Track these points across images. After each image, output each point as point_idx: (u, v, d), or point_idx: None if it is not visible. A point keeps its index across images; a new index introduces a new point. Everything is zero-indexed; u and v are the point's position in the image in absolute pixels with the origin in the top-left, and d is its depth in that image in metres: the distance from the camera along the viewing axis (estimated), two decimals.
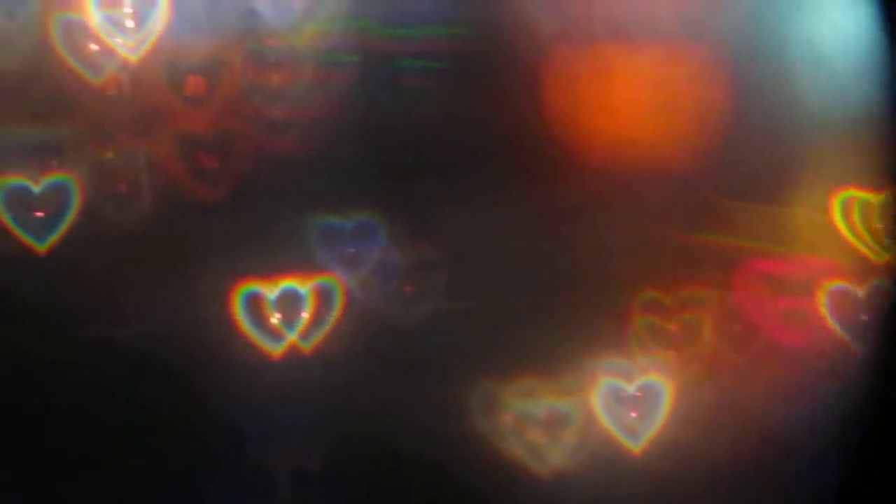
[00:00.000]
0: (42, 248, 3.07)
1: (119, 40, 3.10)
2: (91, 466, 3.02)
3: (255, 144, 3.13)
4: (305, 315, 3.10)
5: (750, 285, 3.13)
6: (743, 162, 3.10)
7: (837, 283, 3.13)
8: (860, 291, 3.13)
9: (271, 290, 3.08)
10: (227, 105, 3.14)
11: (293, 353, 3.11)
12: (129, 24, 3.11)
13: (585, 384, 3.14)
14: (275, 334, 3.10)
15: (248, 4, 3.11)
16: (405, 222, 3.13)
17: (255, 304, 3.08)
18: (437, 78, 3.16)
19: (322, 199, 3.14)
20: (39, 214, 3.08)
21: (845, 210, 3.12)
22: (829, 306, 3.12)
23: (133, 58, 3.11)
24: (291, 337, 3.09)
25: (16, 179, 3.07)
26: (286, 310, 3.09)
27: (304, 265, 3.13)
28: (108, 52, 3.11)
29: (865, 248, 3.13)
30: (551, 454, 3.14)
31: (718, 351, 3.13)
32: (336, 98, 3.14)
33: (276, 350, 3.10)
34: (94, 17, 3.10)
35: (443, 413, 3.08)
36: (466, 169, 3.14)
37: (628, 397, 3.14)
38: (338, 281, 3.12)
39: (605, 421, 3.15)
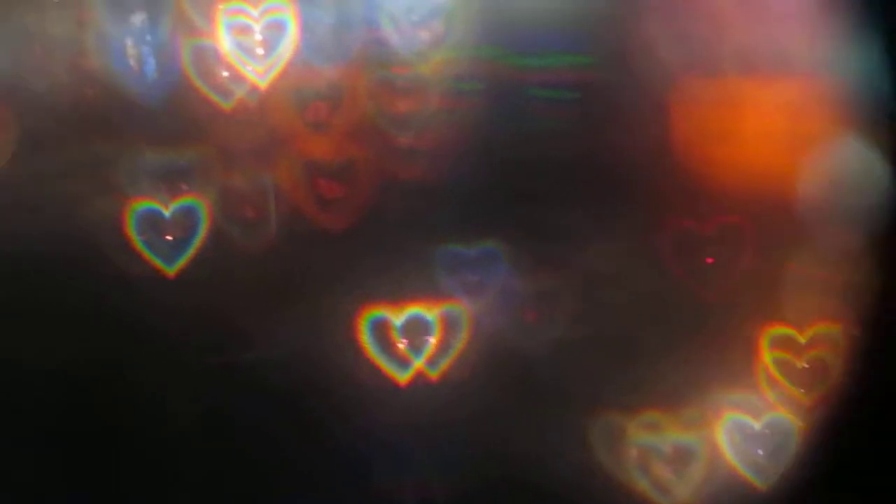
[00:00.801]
0: (171, 271, 3.07)
1: (249, 66, 3.12)
2: (213, 494, 3.00)
3: (381, 171, 3.13)
4: (432, 341, 3.07)
5: (884, 322, 3.08)
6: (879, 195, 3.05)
7: None
8: None
9: (398, 316, 3.06)
10: (353, 132, 3.14)
11: (419, 380, 3.07)
12: (259, 50, 3.13)
13: (712, 419, 3.08)
14: (401, 360, 3.07)
15: (376, 33, 3.12)
16: (531, 250, 3.11)
17: (381, 330, 3.06)
18: (564, 107, 3.14)
19: (447, 226, 3.12)
20: (169, 238, 3.09)
21: None
22: None
23: (262, 84, 3.12)
24: (418, 363, 3.07)
25: (147, 203, 3.08)
26: (413, 336, 3.07)
27: (430, 292, 3.10)
28: (237, 77, 3.13)
29: None
30: (676, 488, 3.08)
31: (848, 390, 3.07)
32: (462, 126, 3.13)
33: (402, 376, 3.07)
34: (224, 43, 3.12)
35: (567, 443, 3.03)
36: (594, 198, 3.12)
37: (755, 434, 3.08)
38: (464, 308, 3.09)
39: (730, 457, 3.09)
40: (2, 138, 3.09)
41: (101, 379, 3.01)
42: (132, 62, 3.12)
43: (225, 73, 3.13)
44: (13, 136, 3.09)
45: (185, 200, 3.10)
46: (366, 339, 3.06)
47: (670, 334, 3.08)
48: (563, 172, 3.13)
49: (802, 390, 3.10)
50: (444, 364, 3.08)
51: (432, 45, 3.14)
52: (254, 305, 3.07)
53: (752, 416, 3.10)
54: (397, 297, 3.08)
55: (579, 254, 3.10)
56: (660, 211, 3.10)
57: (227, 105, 3.12)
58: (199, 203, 3.11)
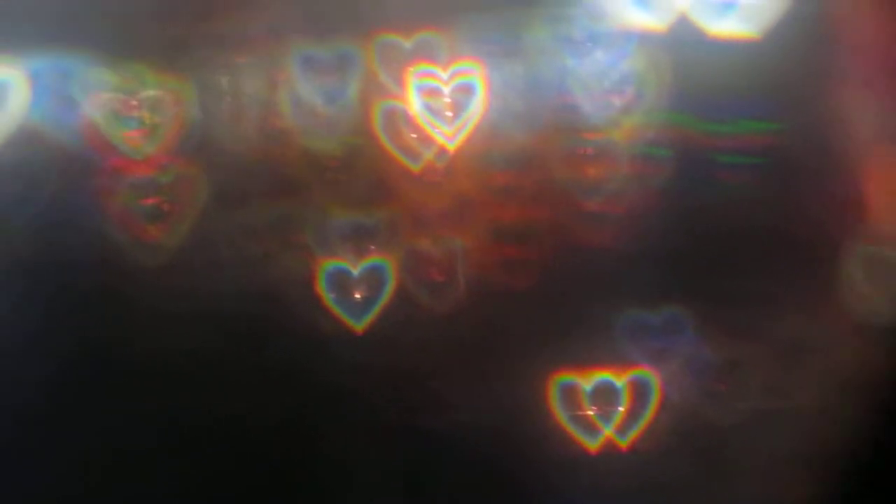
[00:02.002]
0: (359, 329, 3.06)
1: (437, 128, 3.13)
2: None
3: (569, 236, 3.11)
4: (621, 409, 3.02)
5: None
6: None
7: None
8: None
9: (586, 382, 3.02)
10: (541, 196, 3.13)
11: (609, 448, 3.02)
12: (448, 113, 3.14)
13: None
14: (590, 427, 3.02)
15: (566, 98, 3.12)
16: (719, 317, 3.06)
17: (569, 396, 3.02)
18: (753, 173, 3.12)
19: (634, 292, 3.09)
20: (357, 296, 3.08)
21: None
22: None
23: (450, 146, 3.13)
24: (607, 431, 3.02)
25: (336, 262, 3.09)
26: (602, 402, 3.02)
27: (617, 358, 3.06)
28: (426, 139, 3.14)
29: None
30: None
31: None
32: (651, 192, 3.11)
33: (592, 444, 3.02)
34: (414, 105, 3.14)
35: None
36: (783, 265, 3.08)
37: None
38: (653, 375, 3.05)
39: None
40: (193, 196, 3.12)
41: (290, 437, 2.98)
42: (322, 122, 3.14)
43: (414, 135, 3.14)
44: (205, 194, 3.11)
45: (373, 260, 3.10)
46: (554, 404, 3.01)
47: (866, 405, 3.01)
48: (752, 239, 3.09)
49: None
50: (634, 433, 3.02)
51: (622, 111, 3.13)
52: (441, 367, 3.04)
53: None
54: (585, 363, 3.03)
55: (769, 322, 3.05)
56: (854, 280, 3.05)
57: (415, 167, 3.13)
58: (387, 263, 3.10)
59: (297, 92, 3.14)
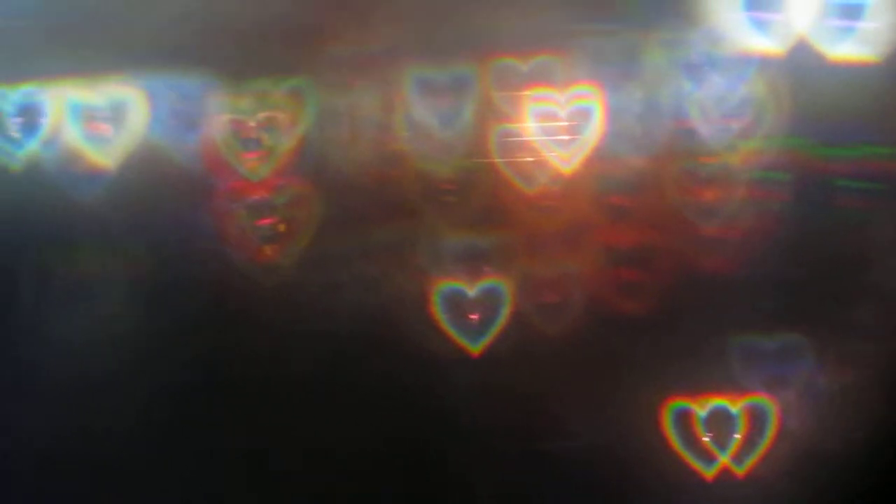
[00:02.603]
0: (474, 351, 3.07)
1: (553, 152, 3.13)
2: None
3: (685, 260, 3.10)
4: (737, 436, 3.01)
5: None
6: None
7: None
8: None
9: (702, 408, 3.01)
10: (657, 220, 3.12)
11: (724, 475, 3.01)
12: (564, 136, 3.14)
13: None
14: (706, 455, 3.01)
15: (684, 122, 3.11)
16: (836, 345, 3.04)
17: (684, 422, 3.01)
18: (872, 198, 3.09)
19: (750, 317, 3.07)
20: (472, 318, 3.09)
21: None
22: None
23: (566, 170, 3.13)
24: (723, 459, 3.00)
25: (452, 283, 3.10)
26: (718, 429, 3.01)
27: (733, 384, 3.05)
28: (541, 163, 3.14)
29: None
30: None
31: None
32: (769, 217, 3.09)
33: (707, 471, 3.01)
34: (530, 128, 3.14)
35: None
36: None
37: None
38: (769, 402, 3.03)
39: None
40: (309, 217, 3.14)
41: (405, 459, 3.00)
42: (438, 145, 3.15)
43: (529, 158, 3.14)
44: (321, 215, 3.14)
45: (489, 281, 3.10)
46: (669, 430, 3.00)
47: None
48: (871, 266, 3.06)
49: None
50: (750, 460, 3.01)
51: (740, 136, 3.12)
52: (556, 390, 3.04)
53: None
54: (701, 389, 3.02)
55: (886, 349, 3.02)
56: None
57: (530, 190, 3.13)
58: (502, 284, 3.11)
59: (412, 114, 3.15)
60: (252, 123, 3.14)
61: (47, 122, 3.10)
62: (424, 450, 3.02)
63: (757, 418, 3.03)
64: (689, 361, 3.03)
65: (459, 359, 3.06)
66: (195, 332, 3.06)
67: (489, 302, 3.09)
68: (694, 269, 3.10)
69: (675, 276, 3.10)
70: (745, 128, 3.13)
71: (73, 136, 3.10)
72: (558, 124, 3.14)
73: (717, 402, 3.03)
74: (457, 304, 3.08)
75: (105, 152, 3.10)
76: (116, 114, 3.12)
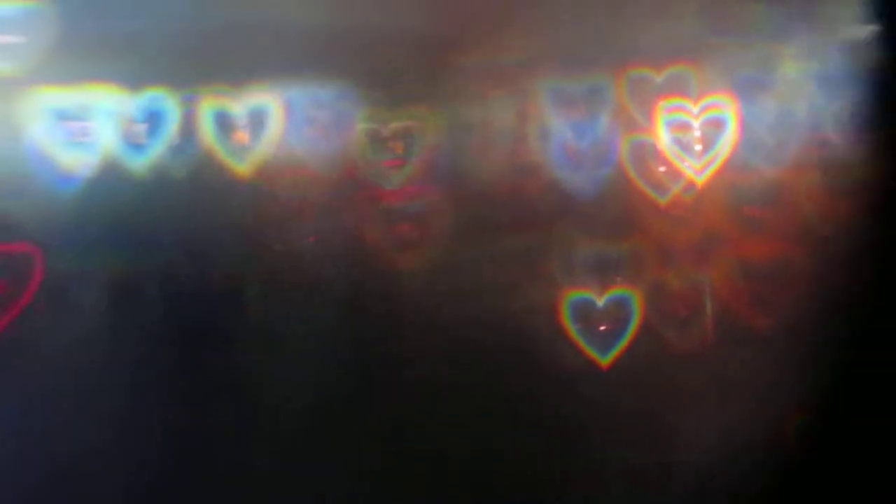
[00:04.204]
0: (604, 362, 3.08)
1: (686, 162, 3.13)
2: None
3: (820, 274, 3.08)
4: None
5: None
6: None
7: None
8: None
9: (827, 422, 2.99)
10: (790, 233, 3.10)
11: None
12: (697, 147, 3.13)
13: None
14: None
15: (818, 135, 3.09)
16: None
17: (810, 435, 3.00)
18: None
19: (884, 335, 3.04)
20: (601, 328, 3.11)
21: None
22: None
23: (699, 180, 3.13)
24: None
25: (582, 292, 3.12)
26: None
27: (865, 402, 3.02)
28: (674, 173, 3.14)
29: None
30: None
31: None
32: None
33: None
34: (662, 138, 3.14)
35: None
36: None
37: None
38: None
39: None
40: (443, 225, 3.18)
41: (534, 471, 3.02)
42: (571, 155, 3.17)
43: (662, 169, 3.14)
44: (454, 223, 3.17)
45: (619, 292, 3.11)
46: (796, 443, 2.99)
47: None
48: None
49: None
50: None
51: (873, 148, 3.09)
52: (686, 405, 3.04)
53: None
54: (831, 405, 3.00)
55: None
56: None
57: (662, 200, 3.13)
58: (633, 295, 3.11)
59: (546, 124, 3.17)
60: (388, 132, 3.19)
61: (188, 130, 3.16)
62: (552, 459, 3.03)
63: None
64: (821, 378, 3.01)
65: (587, 369, 3.06)
66: (332, 334, 3.11)
67: (619, 312, 3.10)
68: (828, 284, 3.07)
69: (809, 290, 3.08)
70: (878, 140, 3.09)
71: (213, 143, 3.17)
72: (692, 135, 3.14)
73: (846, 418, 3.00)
74: (586, 314, 3.09)
75: (243, 160, 3.17)
76: (255, 121, 3.18)
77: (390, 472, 3.01)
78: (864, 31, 3.09)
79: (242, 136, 3.15)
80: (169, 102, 3.08)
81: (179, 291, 3.04)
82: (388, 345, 3.12)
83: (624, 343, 3.08)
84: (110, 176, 3.02)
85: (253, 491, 2.90)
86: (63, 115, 3.05)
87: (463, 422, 3.04)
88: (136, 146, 3.07)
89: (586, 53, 3.10)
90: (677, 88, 3.10)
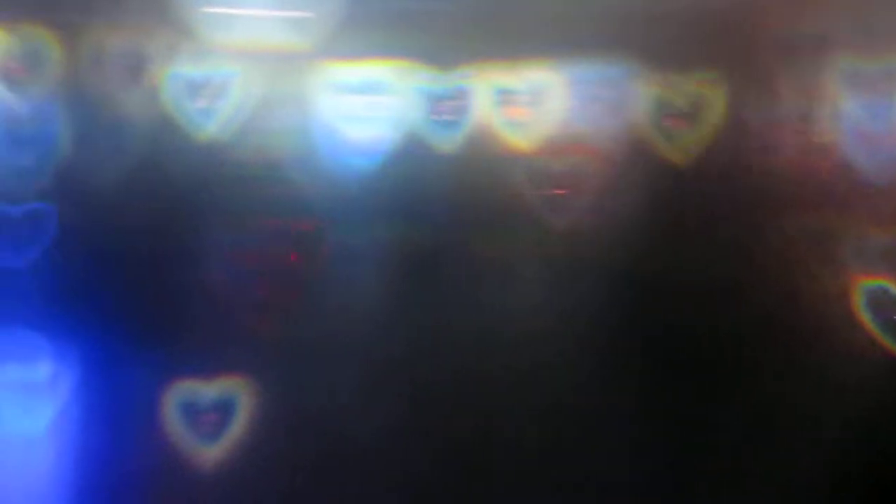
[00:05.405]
0: None
1: None
2: None
3: None
4: None
5: None
6: None
7: None
8: None
9: None
10: None
11: None
12: None
13: None
14: None
15: None
16: None
17: None
18: None
19: None
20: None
21: None
22: None
23: None
24: None
25: (877, 281, 2.99)
26: None
27: None
28: None
29: None
30: None
31: None
32: None
33: None
34: None
35: None
36: None
37: None
38: None
39: None
40: (728, 206, 3.10)
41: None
42: (865, 137, 3.04)
43: None
44: (740, 204, 3.09)
45: None
46: None
47: None
48: None
49: None
50: None
51: None
52: None
53: None
54: None
55: None
56: None
57: None
58: None
59: (838, 105, 3.06)
60: (671, 111, 3.13)
61: (472, 106, 3.18)
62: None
63: None
64: None
65: (885, 361, 2.94)
66: (599, 316, 3.08)
67: None
68: None
69: None
70: None
71: (496, 120, 3.17)
72: None
73: None
74: (882, 303, 2.97)
75: (525, 136, 3.16)
76: (536, 98, 3.17)
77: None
78: None
79: (525, 112, 3.14)
80: (451, 78, 3.09)
81: (462, 268, 3.05)
82: (672, 328, 3.06)
83: None
84: (398, 152, 3.05)
85: None
86: (353, 91, 3.10)
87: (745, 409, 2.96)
88: (423, 122, 3.09)
89: (887, 31, 2.97)
90: None
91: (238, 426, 2.87)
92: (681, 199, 3.12)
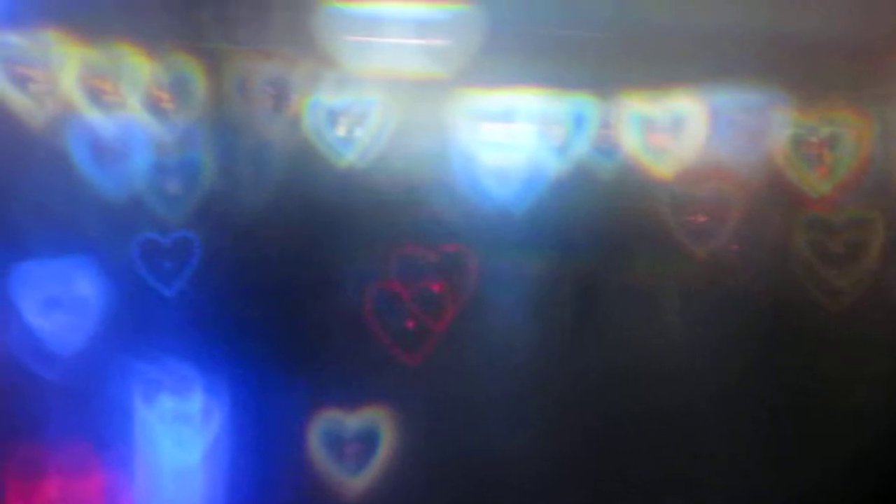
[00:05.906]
0: None
1: None
2: None
3: None
4: None
5: None
6: None
7: None
8: None
9: None
10: None
11: None
12: None
13: None
14: None
15: None
16: None
17: None
18: None
19: None
20: None
21: None
22: None
23: None
24: None
25: None
26: None
27: None
28: None
29: None
30: None
31: None
32: None
33: None
34: None
35: None
36: None
37: None
38: None
39: None
40: (872, 237, 3.05)
41: None
42: None
43: None
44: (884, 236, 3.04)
45: None
46: None
47: None
48: None
49: None
50: None
51: None
52: None
53: None
54: None
55: None
56: None
57: None
58: None
59: None
60: (815, 139, 3.09)
61: (610, 132, 3.15)
62: None
63: None
64: None
65: None
66: (744, 343, 3.04)
67: None
68: None
69: None
70: None
71: (635, 146, 3.14)
72: None
73: None
74: None
75: (665, 163, 3.13)
76: (677, 125, 3.14)
77: None
78: None
79: (663, 139, 3.11)
80: (592, 105, 3.07)
81: (597, 294, 3.03)
82: (814, 358, 3.02)
83: None
84: (534, 177, 3.04)
85: None
86: (489, 117, 3.09)
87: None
88: (558, 148, 3.08)
89: None
90: None
91: (384, 457, 2.85)
92: (824, 227, 3.07)
